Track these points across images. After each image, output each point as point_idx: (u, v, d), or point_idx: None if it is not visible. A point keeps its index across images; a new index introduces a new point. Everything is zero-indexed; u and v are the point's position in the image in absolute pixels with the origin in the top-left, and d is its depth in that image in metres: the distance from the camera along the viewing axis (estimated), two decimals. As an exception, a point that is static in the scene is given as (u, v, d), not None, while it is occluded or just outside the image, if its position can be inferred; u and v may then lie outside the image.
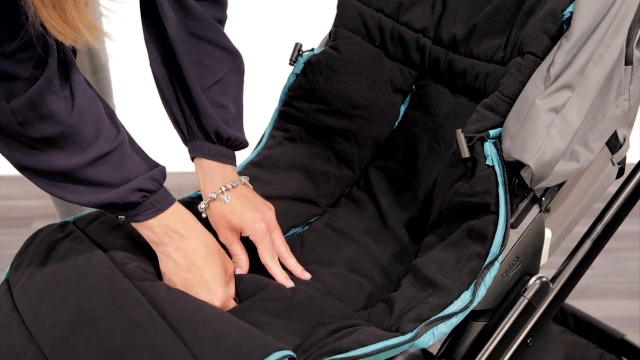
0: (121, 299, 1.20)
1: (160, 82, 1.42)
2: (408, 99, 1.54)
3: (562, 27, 1.23)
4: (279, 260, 1.38)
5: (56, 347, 1.18)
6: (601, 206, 1.36)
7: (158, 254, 1.30)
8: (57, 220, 1.77)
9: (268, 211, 1.40)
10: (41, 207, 2.55)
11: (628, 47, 1.24)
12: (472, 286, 1.20)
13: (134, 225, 1.29)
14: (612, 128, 1.26)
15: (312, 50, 1.56)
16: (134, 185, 1.23)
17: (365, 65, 1.52)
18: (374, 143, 1.52)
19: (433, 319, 1.19)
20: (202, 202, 1.40)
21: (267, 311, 1.26)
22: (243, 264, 1.38)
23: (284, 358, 1.10)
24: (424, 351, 1.22)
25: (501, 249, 1.21)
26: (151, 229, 1.27)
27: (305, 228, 1.50)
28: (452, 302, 1.20)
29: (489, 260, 1.21)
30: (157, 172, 1.26)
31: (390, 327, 1.22)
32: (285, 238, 1.45)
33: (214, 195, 1.38)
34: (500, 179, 1.21)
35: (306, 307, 1.27)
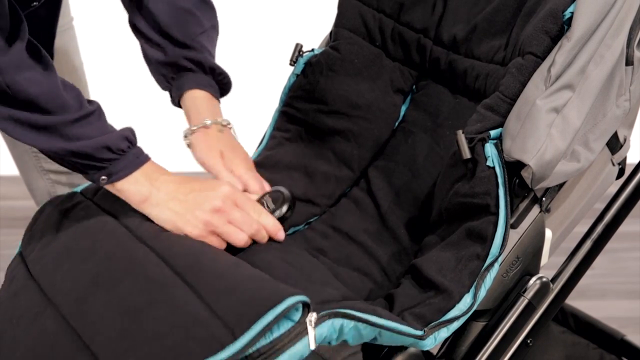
0: (137, 260, 1.21)
1: (144, 29, 1.45)
2: (408, 99, 1.55)
3: (562, 27, 1.24)
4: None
5: (74, 307, 1.20)
6: (601, 206, 1.36)
7: (152, 210, 1.28)
8: None
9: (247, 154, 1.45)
10: (41, 207, 2.55)
11: (628, 47, 1.24)
12: (473, 288, 1.21)
13: (118, 185, 1.27)
14: (612, 128, 1.26)
15: (312, 50, 1.56)
16: (122, 133, 1.25)
17: (366, 65, 1.52)
18: (373, 143, 1.52)
19: (435, 323, 1.19)
20: (192, 126, 1.42)
21: (284, 259, 1.27)
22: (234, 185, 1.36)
23: (297, 303, 1.10)
24: (424, 351, 1.22)
25: (500, 250, 1.21)
26: (137, 182, 1.27)
27: (305, 227, 1.50)
28: (453, 306, 1.20)
29: (488, 261, 1.21)
30: (129, 128, 1.29)
31: None
32: (286, 235, 1.46)
33: (209, 122, 1.42)
34: (500, 180, 1.21)
35: (314, 289, 1.26)
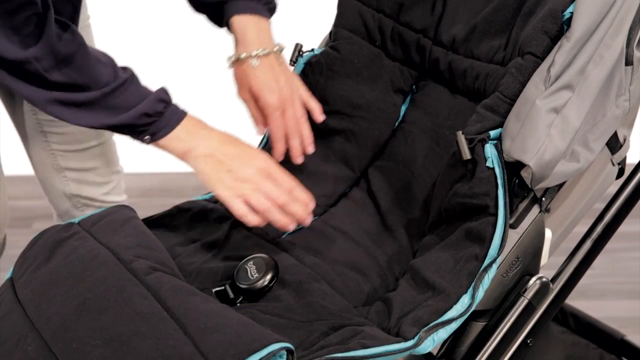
0: (126, 292, 1.21)
1: None
2: (408, 99, 1.55)
3: (562, 28, 1.24)
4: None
5: (57, 333, 1.19)
6: (601, 206, 1.36)
7: (191, 162, 1.36)
8: (56, 222, 1.77)
9: (284, 88, 1.46)
10: (41, 207, 2.54)
11: (628, 47, 1.24)
12: (471, 289, 1.21)
13: (161, 143, 1.35)
14: (612, 128, 1.26)
15: (312, 50, 1.57)
16: (157, 96, 1.33)
17: (365, 65, 1.52)
18: (373, 143, 1.52)
19: (432, 324, 1.19)
20: (232, 56, 1.46)
21: (267, 311, 1.27)
22: (259, 123, 1.48)
23: (281, 349, 1.11)
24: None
25: (499, 251, 1.21)
26: (178, 138, 1.35)
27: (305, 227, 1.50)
28: (451, 307, 1.20)
29: (486, 262, 1.21)
30: (163, 89, 1.35)
31: (389, 328, 1.22)
32: (285, 235, 1.46)
33: (244, 56, 1.45)
34: (499, 181, 1.21)
35: (307, 305, 1.27)
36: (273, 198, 1.33)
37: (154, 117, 1.33)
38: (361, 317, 1.27)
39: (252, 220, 1.34)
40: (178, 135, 1.35)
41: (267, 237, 1.45)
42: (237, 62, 1.47)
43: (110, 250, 1.31)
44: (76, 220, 1.42)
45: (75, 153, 1.67)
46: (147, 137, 1.34)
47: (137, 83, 1.34)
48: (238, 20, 1.46)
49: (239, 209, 1.33)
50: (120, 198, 1.76)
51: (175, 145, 1.35)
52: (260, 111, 1.48)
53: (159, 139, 1.35)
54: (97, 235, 1.35)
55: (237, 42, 1.47)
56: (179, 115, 1.35)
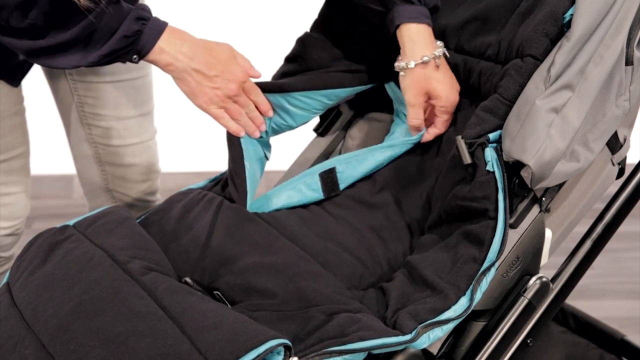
0: (122, 293, 1.22)
1: None
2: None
3: (562, 30, 1.24)
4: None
5: (54, 335, 1.20)
6: (601, 206, 1.36)
7: (178, 76, 1.41)
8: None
9: (455, 91, 1.43)
10: (41, 207, 2.55)
11: (628, 47, 1.24)
12: (469, 292, 1.21)
13: (149, 59, 1.39)
14: (612, 128, 1.26)
15: None
16: (132, 15, 1.35)
17: None
18: None
19: (429, 322, 1.19)
20: (407, 61, 1.41)
21: (261, 308, 1.27)
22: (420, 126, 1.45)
23: (279, 345, 1.12)
24: (424, 350, 1.22)
25: (498, 255, 1.21)
26: (162, 52, 1.39)
27: (304, 208, 1.50)
28: (448, 307, 1.20)
29: (485, 265, 1.21)
30: (140, 6, 1.38)
31: (385, 317, 1.22)
32: (281, 209, 1.48)
33: (428, 58, 1.40)
34: (500, 185, 1.21)
35: (298, 290, 1.26)
36: (246, 110, 1.45)
37: (133, 37, 1.36)
38: (356, 299, 1.27)
39: (232, 126, 1.44)
40: (162, 48, 1.39)
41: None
42: (415, 68, 1.41)
43: (105, 251, 1.31)
44: (71, 222, 1.42)
45: (116, 148, 1.67)
46: (135, 57, 1.39)
47: (112, 7, 1.34)
48: (407, 28, 1.42)
49: (217, 113, 1.43)
50: (154, 198, 1.76)
51: (158, 57, 1.39)
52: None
53: (145, 55, 1.39)
54: (92, 237, 1.36)
55: (409, 48, 1.42)
56: (159, 29, 1.38)
